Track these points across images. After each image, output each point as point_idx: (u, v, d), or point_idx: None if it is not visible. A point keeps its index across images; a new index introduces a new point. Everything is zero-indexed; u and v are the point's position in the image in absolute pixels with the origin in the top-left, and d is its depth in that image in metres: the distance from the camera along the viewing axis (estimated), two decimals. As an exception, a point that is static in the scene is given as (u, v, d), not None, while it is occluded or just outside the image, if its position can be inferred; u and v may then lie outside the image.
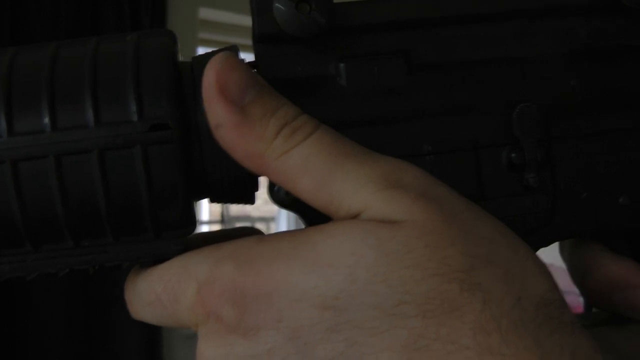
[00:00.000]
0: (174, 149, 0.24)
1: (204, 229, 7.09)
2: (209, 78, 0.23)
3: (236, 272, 0.22)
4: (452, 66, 0.26)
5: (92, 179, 0.23)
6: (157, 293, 0.24)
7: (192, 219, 0.26)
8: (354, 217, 0.22)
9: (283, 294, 0.21)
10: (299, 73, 0.26)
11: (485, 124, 0.26)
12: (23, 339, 2.17)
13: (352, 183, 0.22)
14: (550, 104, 0.26)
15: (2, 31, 2.09)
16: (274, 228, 3.48)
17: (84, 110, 0.24)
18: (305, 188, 0.22)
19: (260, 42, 0.27)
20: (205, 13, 2.71)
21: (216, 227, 5.31)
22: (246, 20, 2.85)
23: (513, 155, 0.26)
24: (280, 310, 0.21)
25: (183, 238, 0.26)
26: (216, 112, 0.23)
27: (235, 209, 6.94)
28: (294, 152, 0.22)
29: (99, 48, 0.25)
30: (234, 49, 0.28)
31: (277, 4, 0.25)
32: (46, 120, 0.24)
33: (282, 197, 0.26)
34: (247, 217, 6.82)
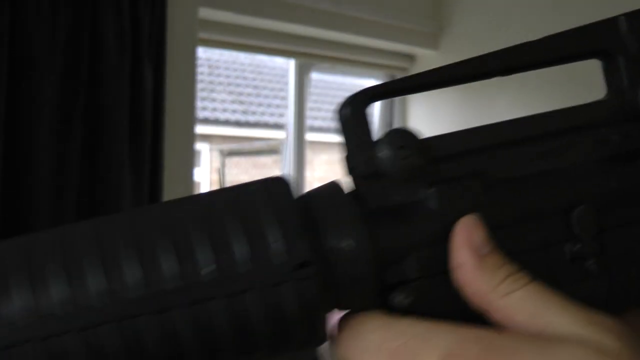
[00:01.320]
0: (315, 281, 0.28)
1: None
2: (461, 232, 0.29)
3: (481, 355, 0.26)
4: (520, 180, 0.32)
5: (248, 315, 0.28)
6: (392, 347, 0.27)
7: (325, 334, 0.30)
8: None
9: None
10: (396, 202, 0.30)
11: (551, 226, 0.31)
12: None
13: (564, 318, 0.27)
14: (599, 202, 0.32)
15: (2, 31, 2.09)
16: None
17: (235, 256, 0.28)
18: (520, 320, 0.28)
19: (359, 177, 0.31)
20: (205, 13, 2.71)
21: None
22: (246, 21, 2.86)
23: (575, 249, 0.31)
24: None
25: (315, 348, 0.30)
26: (462, 255, 0.29)
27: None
28: (513, 295, 0.28)
29: (226, 203, 0.29)
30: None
31: (380, 152, 0.30)
32: (213, 266, 0.27)
33: (412, 275, 0.31)
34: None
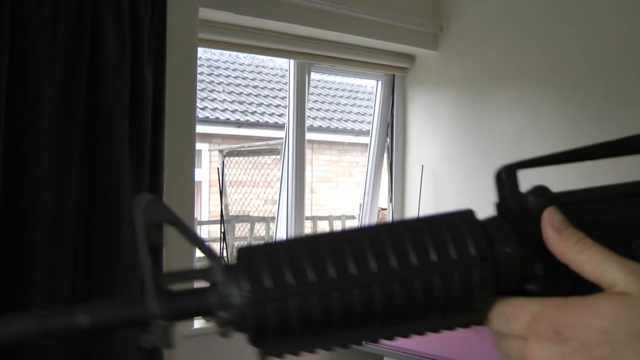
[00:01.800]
0: (490, 270, 0.46)
1: (204, 228, 7.08)
2: (545, 216, 0.47)
3: (555, 312, 0.45)
4: (603, 221, 0.50)
5: (452, 287, 0.46)
6: (506, 312, 0.46)
7: (486, 313, 0.47)
8: (615, 290, 0.45)
9: (580, 326, 0.44)
10: (532, 228, 0.48)
11: (616, 241, 0.48)
12: (23, 339, 2.17)
13: (612, 266, 0.45)
14: None
15: (2, 31, 2.09)
16: (273, 228, 3.48)
17: (448, 251, 0.46)
18: (587, 268, 0.46)
19: (512, 212, 0.49)
20: (205, 13, 2.71)
21: (216, 227, 5.29)
22: (246, 21, 2.86)
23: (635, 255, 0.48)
24: (578, 334, 0.44)
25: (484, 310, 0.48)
26: (547, 231, 0.47)
27: (235, 209, 6.93)
28: (583, 253, 0.46)
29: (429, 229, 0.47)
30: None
31: (529, 197, 0.49)
32: (435, 257, 0.46)
33: (538, 272, 0.48)
34: (248, 217, 6.83)
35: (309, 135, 3.35)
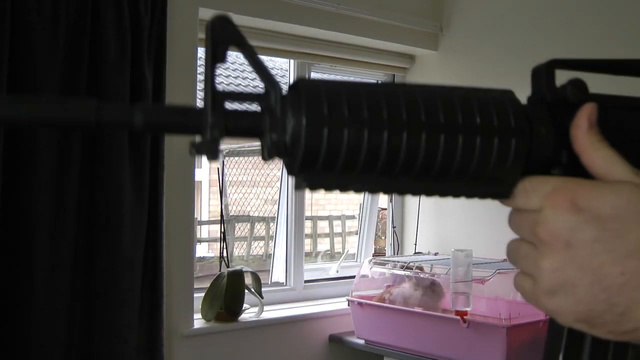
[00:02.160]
0: (527, 143, 0.49)
1: (204, 228, 7.07)
2: (588, 108, 0.50)
3: (575, 186, 0.47)
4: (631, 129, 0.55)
5: (492, 150, 0.48)
6: (527, 186, 0.48)
7: (513, 187, 0.49)
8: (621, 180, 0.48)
9: (597, 199, 0.46)
10: (563, 113, 0.52)
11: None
12: (24, 339, 2.17)
13: (620, 167, 0.48)
14: None
15: (2, 31, 2.09)
16: (273, 228, 3.49)
17: (491, 116, 0.48)
18: (598, 163, 0.49)
19: (548, 103, 0.53)
20: (205, 13, 2.71)
21: (216, 227, 5.29)
22: (246, 21, 2.86)
23: None
24: (593, 206, 0.46)
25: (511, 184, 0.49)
26: (582, 120, 0.49)
27: (235, 209, 6.93)
28: (599, 150, 0.49)
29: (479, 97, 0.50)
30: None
31: (566, 89, 0.53)
32: (478, 119, 0.48)
33: (564, 160, 0.51)
34: (248, 217, 6.83)
35: (309, 135, 3.35)
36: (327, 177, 0.46)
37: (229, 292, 2.73)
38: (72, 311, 2.27)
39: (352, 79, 3.75)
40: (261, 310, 2.86)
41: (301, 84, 0.46)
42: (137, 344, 2.39)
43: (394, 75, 3.64)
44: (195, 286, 2.70)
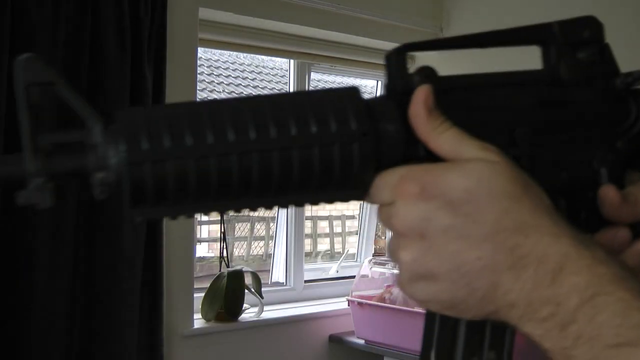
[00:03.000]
0: (371, 144, 0.47)
1: (204, 228, 7.08)
2: (421, 93, 0.47)
3: (422, 173, 0.46)
4: (485, 104, 0.53)
5: (332, 159, 0.46)
6: (377, 182, 0.47)
7: (368, 187, 0.48)
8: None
9: (446, 184, 0.45)
10: None
11: (499, 134, 0.51)
12: (24, 339, 2.17)
13: (468, 147, 0.46)
14: (534, 127, 0.52)
15: (2, 31, 2.09)
16: (273, 228, 3.49)
17: (329, 125, 0.46)
18: (445, 147, 0.47)
19: (398, 93, 0.50)
20: (205, 13, 2.71)
21: (216, 227, 5.29)
22: (246, 21, 2.86)
23: (513, 154, 0.49)
24: (443, 192, 0.45)
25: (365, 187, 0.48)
26: (418, 108, 0.47)
27: (235, 209, 6.93)
28: (444, 134, 0.47)
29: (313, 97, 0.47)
30: (427, 72, 0.51)
31: (414, 78, 0.51)
32: (315, 129, 0.46)
33: (421, 153, 0.48)
34: (248, 217, 6.83)
35: (309, 135, 3.35)
36: (160, 208, 0.45)
37: (229, 292, 2.73)
38: (72, 311, 2.27)
39: (352, 79, 3.75)
40: (261, 310, 2.86)
41: (119, 116, 0.44)
42: (137, 344, 2.39)
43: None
44: (195, 286, 2.70)
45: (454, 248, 0.44)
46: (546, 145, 0.52)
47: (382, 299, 2.83)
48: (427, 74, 0.49)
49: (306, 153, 0.45)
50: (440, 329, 0.51)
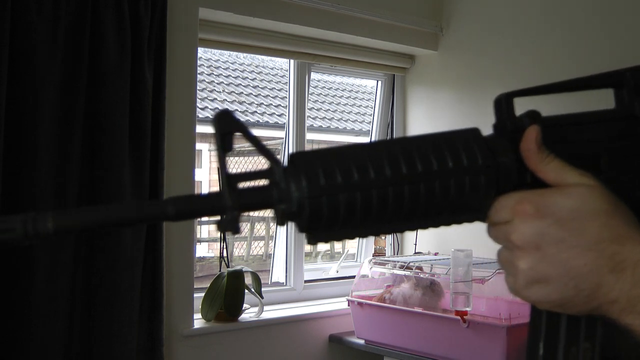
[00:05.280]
0: (494, 175, 0.57)
1: (204, 228, 7.08)
2: (533, 131, 0.59)
3: (536, 196, 0.56)
4: (577, 140, 0.64)
5: (463, 189, 0.56)
6: (497, 205, 0.57)
7: (488, 210, 0.58)
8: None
9: (556, 205, 0.55)
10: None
11: (591, 158, 0.64)
12: (24, 339, 2.17)
13: (570, 174, 0.57)
14: (612, 155, 0.64)
15: (2, 31, 2.09)
16: (273, 228, 3.49)
17: (461, 160, 0.57)
18: (551, 175, 0.57)
19: (508, 131, 0.61)
20: (205, 13, 2.71)
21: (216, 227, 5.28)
22: (246, 21, 2.86)
23: (603, 177, 0.61)
24: (554, 211, 0.55)
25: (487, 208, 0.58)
26: (530, 144, 0.58)
27: (235, 209, 6.93)
28: (550, 165, 0.58)
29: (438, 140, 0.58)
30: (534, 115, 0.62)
31: (523, 119, 0.61)
32: (451, 164, 0.56)
33: (528, 180, 0.59)
34: (247, 217, 6.82)
35: (309, 135, 3.35)
36: (330, 233, 0.55)
37: (229, 292, 2.73)
38: (72, 311, 2.27)
39: (352, 79, 3.74)
40: (261, 310, 2.86)
41: (298, 159, 0.55)
42: (137, 344, 2.39)
43: (393, 75, 3.64)
44: (195, 286, 2.70)
45: (564, 256, 0.55)
46: (623, 170, 0.63)
47: (382, 299, 2.83)
48: (534, 115, 0.60)
49: (445, 184, 0.56)
50: (547, 325, 0.61)
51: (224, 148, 0.54)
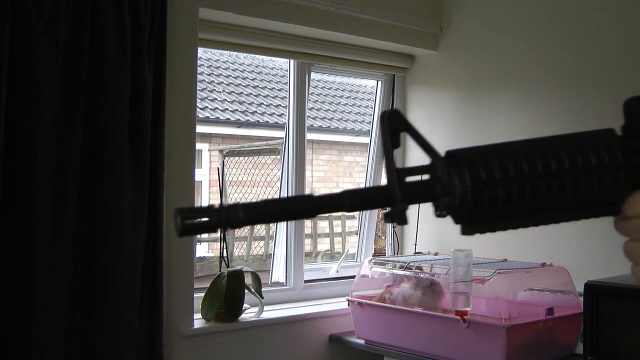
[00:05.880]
0: (630, 171, 0.61)
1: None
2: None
3: None
4: None
5: (602, 184, 0.60)
6: (630, 200, 0.61)
7: (622, 205, 0.61)
8: None
9: None
10: None
11: None
12: (25, 339, 2.17)
13: None
14: None
15: (2, 31, 2.09)
16: (273, 228, 3.48)
17: (598, 157, 0.60)
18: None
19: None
20: (205, 13, 2.71)
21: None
22: (246, 21, 2.86)
23: None
24: None
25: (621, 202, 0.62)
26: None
27: (235, 209, 6.92)
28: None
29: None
30: None
31: None
32: (594, 162, 0.60)
33: None
34: (247, 217, 6.81)
35: (309, 135, 3.35)
36: (487, 224, 0.59)
37: (229, 292, 2.73)
38: (72, 311, 2.27)
39: (352, 79, 3.74)
40: (261, 310, 2.86)
41: (460, 155, 0.59)
42: (137, 344, 2.39)
43: (393, 75, 3.64)
44: (195, 286, 2.70)
45: None
46: None
47: (382, 299, 2.83)
48: None
49: (588, 179, 0.59)
50: None
51: (393, 145, 0.58)
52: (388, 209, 0.58)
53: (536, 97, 3.08)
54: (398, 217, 0.57)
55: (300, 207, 0.57)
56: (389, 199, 0.58)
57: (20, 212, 2.16)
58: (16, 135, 2.15)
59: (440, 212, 0.59)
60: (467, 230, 0.60)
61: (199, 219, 0.55)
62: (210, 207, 0.55)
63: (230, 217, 0.55)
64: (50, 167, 2.21)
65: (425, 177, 0.60)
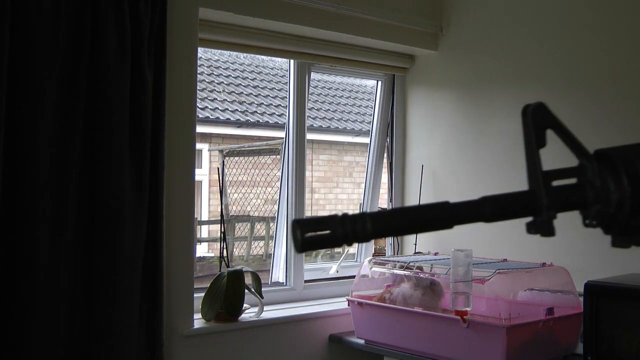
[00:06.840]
0: None
1: (204, 228, 7.07)
2: None
3: None
4: None
5: None
6: None
7: None
8: None
9: None
10: None
11: None
12: (24, 339, 2.17)
13: None
14: None
15: (2, 31, 2.09)
16: (273, 228, 3.48)
17: None
18: None
19: None
20: (205, 13, 2.71)
21: (216, 227, 5.30)
22: (246, 21, 2.86)
23: None
24: None
25: None
26: None
27: (235, 209, 6.93)
28: None
29: None
30: None
31: None
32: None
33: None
34: (248, 217, 6.82)
35: (309, 135, 3.34)
36: None
37: (229, 292, 2.73)
38: (72, 311, 2.27)
39: (352, 79, 3.74)
40: (261, 310, 2.86)
41: (614, 155, 0.51)
42: (137, 343, 2.39)
43: (393, 75, 3.64)
44: (195, 286, 2.70)
45: None
46: None
47: (382, 299, 2.83)
48: None
49: None
50: None
51: (537, 144, 0.50)
52: (533, 219, 0.50)
53: (536, 97, 3.07)
54: (544, 228, 0.50)
55: (435, 217, 0.51)
56: (535, 207, 0.50)
57: (21, 212, 2.16)
58: (16, 135, 2.15)
59: (590, 222, 0.51)
60: (621, 242, 0.51)
61: (320, 232, 0.48)
62: (334, 217, 0.48)
63: (357, 229, 0.48)
64: (51, 167, 2.21)
65: (571, 181, 0.52)
